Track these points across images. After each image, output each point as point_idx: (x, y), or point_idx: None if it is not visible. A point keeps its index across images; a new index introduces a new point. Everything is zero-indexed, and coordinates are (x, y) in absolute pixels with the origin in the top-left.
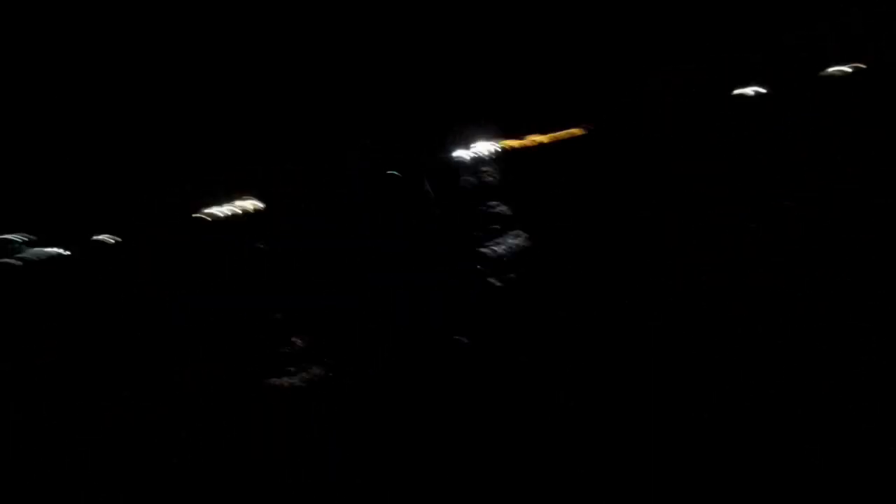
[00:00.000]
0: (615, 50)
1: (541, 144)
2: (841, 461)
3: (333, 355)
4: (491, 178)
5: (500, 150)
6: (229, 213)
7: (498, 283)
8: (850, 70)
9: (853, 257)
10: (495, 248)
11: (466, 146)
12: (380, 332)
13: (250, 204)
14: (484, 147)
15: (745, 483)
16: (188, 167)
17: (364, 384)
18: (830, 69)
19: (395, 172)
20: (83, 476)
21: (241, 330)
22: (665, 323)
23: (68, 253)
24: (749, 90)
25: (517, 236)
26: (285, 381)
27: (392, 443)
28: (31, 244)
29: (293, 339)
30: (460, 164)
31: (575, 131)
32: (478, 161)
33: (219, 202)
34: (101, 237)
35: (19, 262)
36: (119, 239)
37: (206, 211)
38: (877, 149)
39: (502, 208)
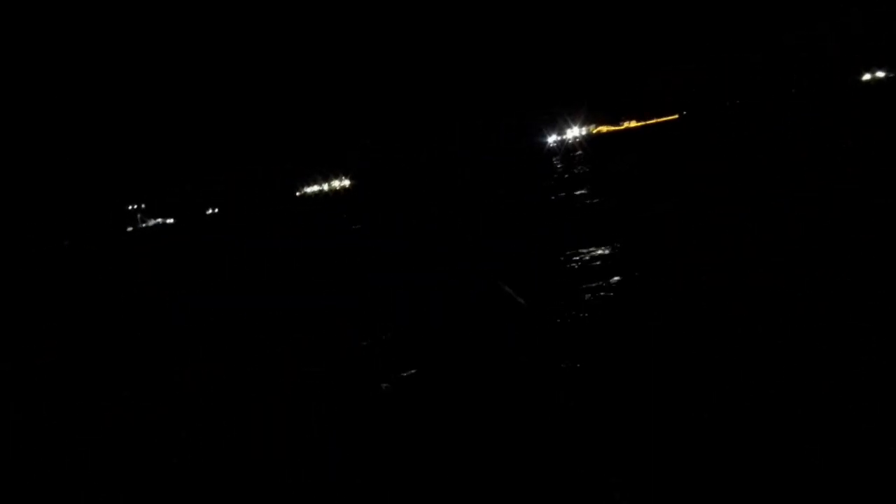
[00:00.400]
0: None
1: (631, 129)
2: (841, 461)
3: (334, 355)
4: (576, 161)
5: (591, 133)
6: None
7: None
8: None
9: (853, 257)
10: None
11: (561, 132)
12: (381, 332)
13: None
14: (576, 132)
15: (745, 483)
16: (190, 167)
17: (365, 383)
18: None
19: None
20: (83, 476)
21: (241, 330)
22: (665, 323)
23: (171, 221)
24: (879, 74)
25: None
26: (285, 381)
27: (392, 442)
28: (145, 213)
29: (293, 338)
30: (552, 147)
31: (670, 118)
32: (569, 145)
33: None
34: (212, 211)
35: (141, 227)
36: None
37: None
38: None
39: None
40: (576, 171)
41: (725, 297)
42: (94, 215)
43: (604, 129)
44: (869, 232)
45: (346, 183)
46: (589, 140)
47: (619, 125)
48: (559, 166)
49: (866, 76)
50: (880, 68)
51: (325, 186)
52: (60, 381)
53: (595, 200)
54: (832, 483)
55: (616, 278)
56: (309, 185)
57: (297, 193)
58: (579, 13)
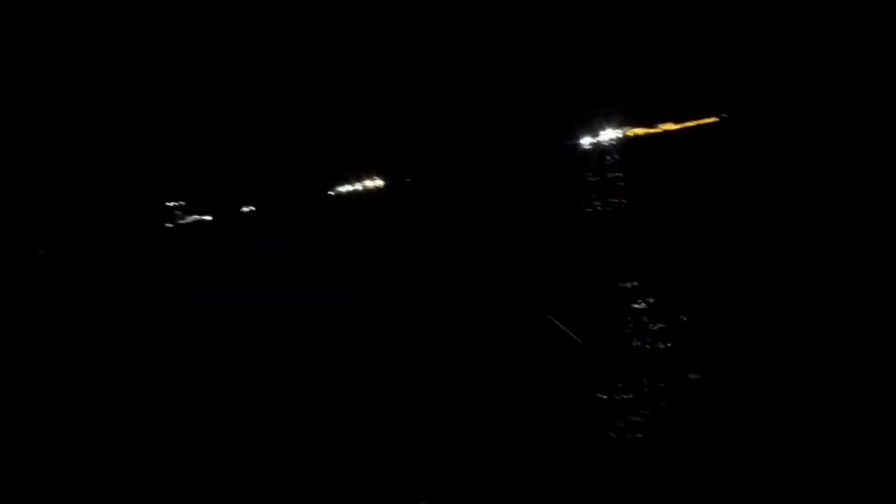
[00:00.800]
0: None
1: (667, 132)
2: (841, 461)
3: (334, 355)
4: (607, 167)
5: (624, 137)
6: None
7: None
8: None
9: (853, 257)
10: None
11: (594, 134)
12: (380, 332)
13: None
14: (609, 135)
15: (745, 482)
16: (191, 167)
17: (364, 384)
18: None
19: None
20: (83, 476)
21: (241, 330)
22: (665, 322)
23: (209, 218)
24: None
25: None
26: (285, 381)
27: (391, 443)
28: (184, 211)
29: (293, 338)
30: (584, 151)
31: (709, 120)
32: (601, 149)
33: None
34: (248, 208)
35: (180, 224)
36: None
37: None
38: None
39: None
40: (606, 174)
41: (725, 297)
42: (136, 212)
43: (640, 131)
44: (869, 232)
45: (380, 183)
46: (623, 142)
47: (654, 127)
48: (592, 168)
49: None
50: None
51: (359, 186)
52: (60, 381)
53: (615, 203)
54: (832, 483)
55: (616, 278)
56: (342, 184)
57: (330, 192)
58: (587, 11)
